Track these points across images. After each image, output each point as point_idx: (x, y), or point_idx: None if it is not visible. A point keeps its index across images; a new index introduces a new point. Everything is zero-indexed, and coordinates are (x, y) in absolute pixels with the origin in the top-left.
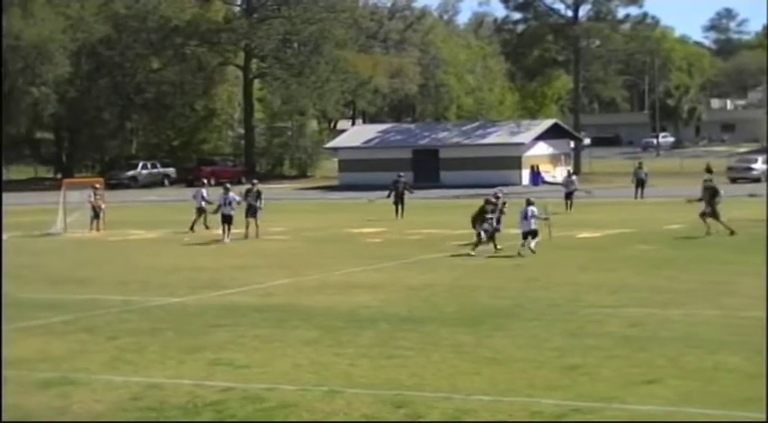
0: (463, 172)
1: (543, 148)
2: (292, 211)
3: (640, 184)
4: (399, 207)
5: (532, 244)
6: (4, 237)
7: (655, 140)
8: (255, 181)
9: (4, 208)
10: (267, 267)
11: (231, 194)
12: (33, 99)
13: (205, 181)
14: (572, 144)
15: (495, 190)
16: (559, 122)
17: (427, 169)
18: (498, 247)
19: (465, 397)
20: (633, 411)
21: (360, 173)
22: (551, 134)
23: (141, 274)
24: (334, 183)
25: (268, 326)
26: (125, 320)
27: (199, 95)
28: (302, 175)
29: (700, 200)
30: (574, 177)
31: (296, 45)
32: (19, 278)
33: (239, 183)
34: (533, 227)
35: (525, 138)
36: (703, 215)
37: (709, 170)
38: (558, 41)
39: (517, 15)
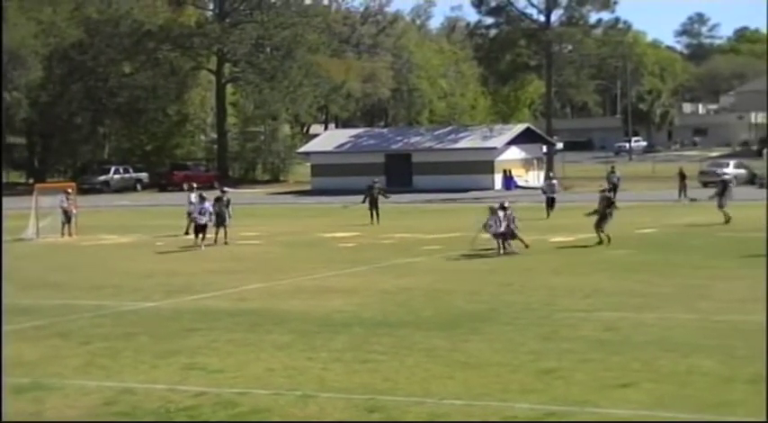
0: (436, 176)
1: (516, 153)
2: (265, 215)
3: (613, 188)
4: (374, 212)
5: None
6: None
7: (627, 145)
8: (226, 189)
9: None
10: (241, 272)
11: (207, 204)
12: (5, 104)
13: (192, 185)
14: (545, 148)
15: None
16: (532, 127)
17: (400, 174)
18: (506, 249)
19: (438, 401)
20: (607, 415)
21: (332, 177)
22: (524, 138)
23: (115, 279)
24: (307, 187)
25: (242, 330)
26: (98, 325)
27: (172, 100)
28: (275, 179)
29: (595, 211)
30: (555, 181)
31: (268, 49)
32: None
33: (211, 188)
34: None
35: (498, 142)
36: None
37: (682, 175)
38: (530, 46)
39: (489, 20)
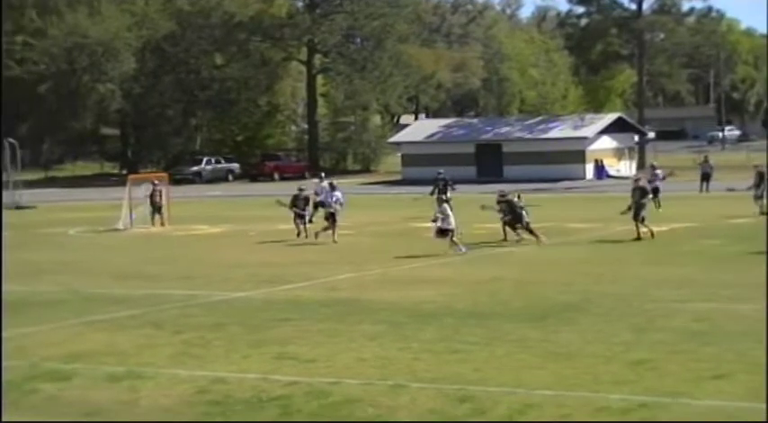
0: (526, 166)
1: (607, 142)
2: (356, 205)
3: (705, 177)
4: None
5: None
6: (71, 232)
7: (720, 134)
8: (326, 179)
9: (73, 203)
10: (332, 262)
11: (338, 193)
12: (99, 96)
13: (320, 174)
14: (636, 138)
15: (498, 189)
16: (624, 116)
17: (490, 164)
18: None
19: (529, 391)
20: (701, 407)
21: (423, 167)
22: (615, 128)
23: (206, 269)
24: (398, 177)
25: (333, 320)
26: (191, 315)
27: (262, 91)
28: (365, 169)
29: (629, 208)
30: (659, 171)
31: (359, 40)
32: (86, 273)
33: (303, 178)
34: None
35: (589, 132)
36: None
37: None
38: (621, 35)
39: (580, 9)
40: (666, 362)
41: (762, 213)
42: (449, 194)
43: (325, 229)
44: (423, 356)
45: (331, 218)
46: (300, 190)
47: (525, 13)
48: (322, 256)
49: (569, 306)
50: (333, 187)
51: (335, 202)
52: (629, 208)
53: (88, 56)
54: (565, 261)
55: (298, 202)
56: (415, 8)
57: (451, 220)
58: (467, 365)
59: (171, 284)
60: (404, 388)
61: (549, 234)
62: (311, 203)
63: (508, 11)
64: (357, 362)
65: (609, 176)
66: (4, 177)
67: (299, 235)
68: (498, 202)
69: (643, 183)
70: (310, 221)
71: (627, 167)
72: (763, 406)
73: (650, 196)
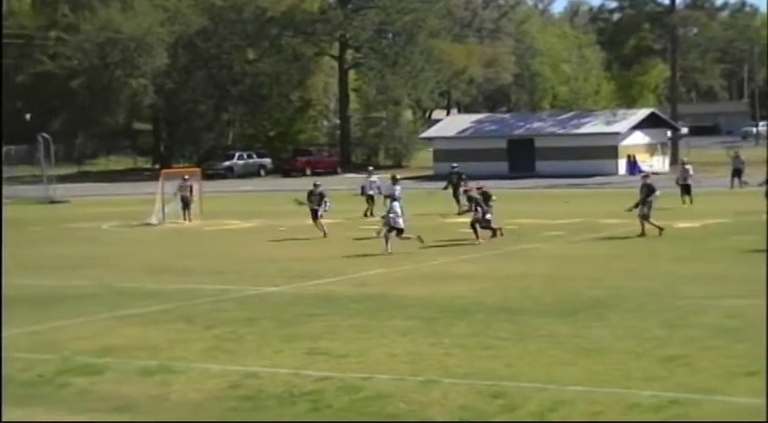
0: (559, 161)
1: (640, 138)
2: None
3: (737, 173)
4: (459, 199)
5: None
6: (104, 226)
7: (754, 129)
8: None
9: (106, 198)
10: (362, 257)
11: (398, 187)
12: (132, 91)
13: (371, 168)
14: (669, 134)
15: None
16: (656, 111)
17: (522, 159)
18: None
19: (561, 387)
20: (733, 404)
21: (455, 163)
22: (648, 123)
23: (238, 264)
24: (430, 173)
25: (364, 316)
26: (222, 310)
27: (294, 86)
28: (397, 164)
29: (637, 205)
30: (689, 167)
31: (390, 35)
32: (118, 268)
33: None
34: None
35: (621, 127)
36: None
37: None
38: (654, 30)
39: (613, 4)
40: (698, 358)
41: None
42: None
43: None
44: (454, 352)
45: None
46: (315, 185)
47: (557, 8)
48: (352, 251)
49: (600, 302)
50: (395, 181)
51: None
52: (637, 205)
53: (121, 51)
54: (596, 256)
55: (312, 198)
56: (446, 3)
57: (400, 220)
58: (498, 361)
59: (203, 279)
60: (435, 383)
61: (580, 230)
62: (326, 199)
63: (540, 6)
64: (388, 357)
65: (641, 172)
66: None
67: (325, 235)
68: (468, 199)
69: (651, 180)
70: (320, 216)
71: (660, 163)
72: None
73: (657, 194)
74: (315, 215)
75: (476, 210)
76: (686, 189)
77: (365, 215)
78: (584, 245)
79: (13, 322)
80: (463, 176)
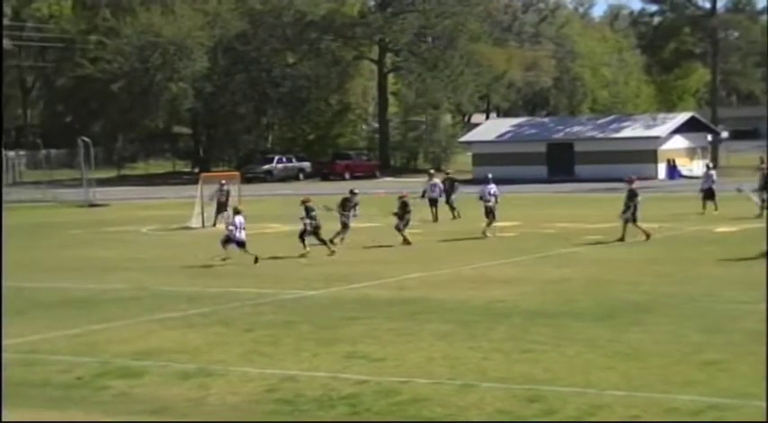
0: (598, 165)
1: (680, 142)
2: (426, 204)
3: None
4: (449, 207)
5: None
6: (144, 230)
7: None
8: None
9: (146, 201)
10: (400, 261)
11: (491, 186)
12: (171, 94)
13: (432, 171)
14: (709, 138)
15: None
16: (696, 115)
17: (562, 163)
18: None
19: (599, 392)
20: None
21: (494, 167)
22: (688, 127)
23: (276, 268)
24: (469, 177)
25: (402, 319)
26: (261, 313)
27: (334, 90)
28: (437, 168)
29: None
30: (712, 172)
31: (430, 39)
32: (158, 271)
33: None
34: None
35: (661, 131)
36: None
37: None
38: (695, 33)
39: (653, 7)
40: (737, 363)
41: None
42: (454, 196)
43: (488, 224)
44: (492, 356)
45: (490, 213)
46: (353, 193)
47: (598, 11)
48: (391, 255)
49: (638, 306)
50: (487, 180)
51: (492, 196)
52: (624, 211)
53: (161, 55)
54: (634, 261)
55: (346, 205)
56: (486, 7)
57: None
58: (536, 365)
59: (241, 282)
60: (473, 387)
61: (617, 234)
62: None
63: (580, 9)
64: (426, 361)
65: (681, 176)
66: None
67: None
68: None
69: (635, 185)
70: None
71: (700, 167)
72: None
73: (639, 199)
74: (344, 225)
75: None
76: (710, 194)
77: (435, 220)
78: (622, 249)
79: (53, 325)
80: (456, 182)
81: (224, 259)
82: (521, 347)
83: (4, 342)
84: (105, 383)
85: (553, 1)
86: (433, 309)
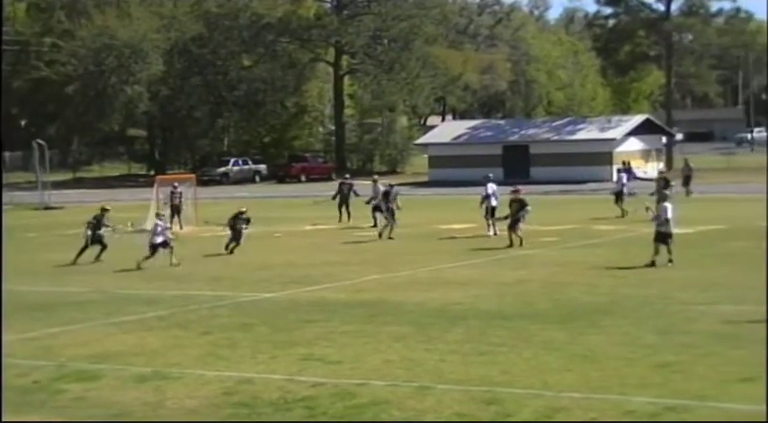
0: (554, 168)
1: (635, 144)
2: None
3: (687, 181)
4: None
5: None
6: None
7: (749, 135)
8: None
9: (99, 204)
10: (358, 264)
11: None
12: (127, 97)
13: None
14: (664, 140)
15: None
16: (651, 118)
17: (517, 165)
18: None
19: (556, 394)
20: (728, 410)
21: (450, 169)
22: (643, 130)
23: (233, 271)
24: (425, 179)
25: (359, 321)
26: (218, 316)
27: (290, 92)
28: (392, 170)
29: (506, 217)
30: (692, 164)
31: (386, 41)
32: (114, 274)
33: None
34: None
35: (616, 133)
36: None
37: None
38: (649, 36)
39: (608, 10)
40: (693, 364)
41: None
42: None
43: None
44: (449, 358)
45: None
46: (391, 186)
47: (553, 14)
48: (348, 257)
49: (595, 308)
50: (488, 180)
51: (492, 196)
52: (506, 217)
53: (116, 57)
54: (591, 263)
55: (388, 197)
56: (442, 9)
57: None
58: (493, 367)
59: (198, 285)
60: (430, 390)
61: (575, 236)
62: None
63: (536, 12)
64: (383, 363)
65: (636, 178)
66: (34, 178)
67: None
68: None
69: (521, 195)
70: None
71: (654, 169)
72: None
73: (528, 209)
74: (379, 209)
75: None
76: (687, 181)
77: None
78: (579, 251)
79: (10, 328)
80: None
81: (176, 264)
82: (478, 349)
83: (30, 342)
84: (62, 387)
85: (508, 4)
86: (389, 311)
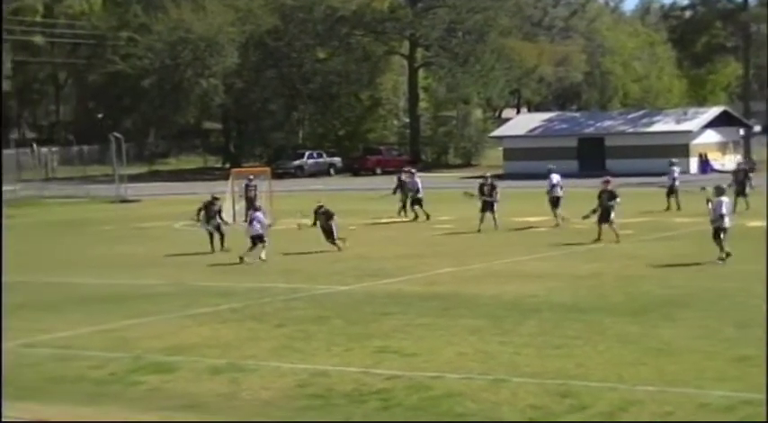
0: (629, 160)
1: (712, 136)
2: (457, 200)
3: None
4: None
5: None
6: (176, 225)
7: None
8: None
9: (177, 197)
10: (432, 256)
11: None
12: (202, 90)
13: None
14: (742, 131)
15: None
16: (728, 109)
17: (593, 158)
18: None
19: (631, 387)
20: None
21: (525, 161)
22: (720, 122)
23: (309, 263)
24: (500, 171)
25: (434, 314)
26: (292, 308)
27: (364, 85)
28: (467, 163)
29: (594, 211)
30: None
31: (461, 34)
32: (189, 266)
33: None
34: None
35: (693, 125)
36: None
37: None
38: (726, 27)
39: (685, 1)
40: None
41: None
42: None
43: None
44: (524, 351)
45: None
46: (486, 177)
47: (629, 5)
48: (422, 250)
49: (670, 301)
50: (551, 172)
51: (557, 186)
52: (594, 211)
53: (191, 51)
54: (666, 255)
55: (485, 189)
56: (516, 1)
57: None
58: (568, 360)
59: (273, 278)
60: (505, 382)
61: (650, 229)
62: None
63: (611, 4)
64: (458, 356)
65: (714, 171)
66: (113, 171)
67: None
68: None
69: (611, 186)
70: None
71: (732, 162)
72: None
73: (618, 200)
74: (489, 207)
75: None
76: (742, 189)
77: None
78: (654, 244)
79: (87, 320)
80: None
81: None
82: (552, 342)
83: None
84: (138, 379)
85: None
86: (464, 304)
